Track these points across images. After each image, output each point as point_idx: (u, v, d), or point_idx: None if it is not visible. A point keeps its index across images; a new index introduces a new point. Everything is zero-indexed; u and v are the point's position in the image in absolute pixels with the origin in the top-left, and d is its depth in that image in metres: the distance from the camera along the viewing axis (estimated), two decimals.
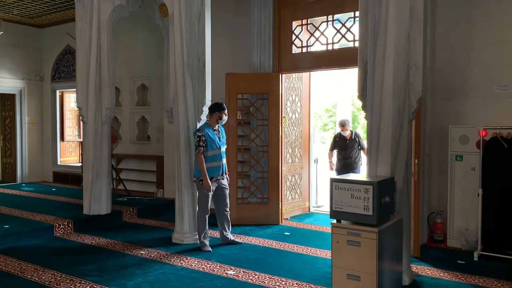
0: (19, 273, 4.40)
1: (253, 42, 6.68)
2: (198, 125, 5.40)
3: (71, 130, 10.79)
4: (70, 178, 10.07)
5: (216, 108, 5.20)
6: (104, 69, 6.44)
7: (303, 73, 6.93)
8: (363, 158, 6.58)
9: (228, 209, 5.41)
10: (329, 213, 3.71)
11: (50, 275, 4.33)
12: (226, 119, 5.29)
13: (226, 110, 5.26)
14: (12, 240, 5.42)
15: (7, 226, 5.77)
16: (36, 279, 4.23)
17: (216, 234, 5.70)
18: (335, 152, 7.02)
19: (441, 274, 4.32)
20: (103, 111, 6.49)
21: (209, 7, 5.49)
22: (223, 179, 5.28)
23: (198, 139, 5.05)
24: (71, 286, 4.04)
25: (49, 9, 8.86)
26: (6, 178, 10.42)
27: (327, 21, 6.28)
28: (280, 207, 6.47)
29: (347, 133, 6.80)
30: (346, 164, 6.78)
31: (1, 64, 9.71)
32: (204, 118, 5.48)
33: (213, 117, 5.20)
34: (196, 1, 5.38)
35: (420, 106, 4.59)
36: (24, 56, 10.14)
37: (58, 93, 10.44)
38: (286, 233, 5.92)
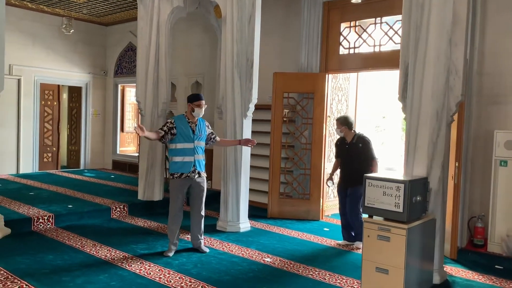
0: (80, 247, 4.94)
1: (301, 43, 6.90)
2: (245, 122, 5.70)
3: (130, 122, 11.55)
4: (127, 167, 10.78)
5: (188, 99, 4.77)
6: (162, 66, 6.91)
7: (351, 73, 7.05)
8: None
9: (203, 213, 4.92)
10: None
11: (106, 250, 4.83)
12: (200, 113, 4.71)
13: (200, 102, 4.66)
14: (75, 218, 6.03)
15: (70, 206, 6.41)
16: (94, 253, 4.74)
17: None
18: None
19: (475, 277, 4.35)
20: (160, 105, 6.96)
21: (259, 10, 5.77)
22: (199, 177, 4.77)
23: (164, 124, 4.74)
24: (124, 261, 4.50)
25: (115, 8, 9.57)
26: (71, 164, 11.34)
27: (375, 23, 6.37)
28: (321, 203, 6.65)
29: (348, 135, 5.26)
30: (342, 178, 5.28)
31: (71, 59, 10.59)
32: (250, 115, 5.79)
33: (188, 109, 4.76)
34: (247, 4, 5.69)
35: (462, 110, 4.63)
36: (91, 52, 10.98)
37: (119, 87, 11.20)
38: (325, 229, 6.11)
